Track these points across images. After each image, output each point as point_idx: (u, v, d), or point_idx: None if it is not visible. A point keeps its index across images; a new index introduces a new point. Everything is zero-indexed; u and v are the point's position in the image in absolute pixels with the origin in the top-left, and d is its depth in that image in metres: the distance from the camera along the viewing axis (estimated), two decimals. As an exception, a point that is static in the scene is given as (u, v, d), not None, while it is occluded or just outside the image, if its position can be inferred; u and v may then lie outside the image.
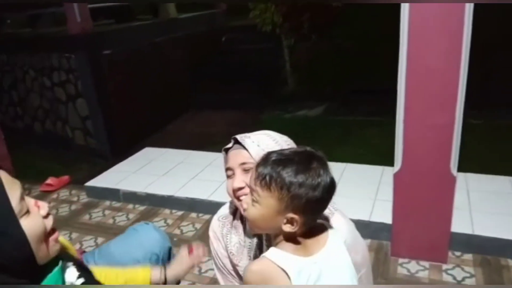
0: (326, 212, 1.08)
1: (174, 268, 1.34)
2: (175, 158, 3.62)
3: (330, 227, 0.97)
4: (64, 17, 4.10)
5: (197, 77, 5.88)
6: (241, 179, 1.05)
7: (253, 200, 0.89)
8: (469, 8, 1.67)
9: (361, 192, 2.69)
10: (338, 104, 5.13)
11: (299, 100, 5.39)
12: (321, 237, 0.92)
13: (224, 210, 1.26)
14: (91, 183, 3.31)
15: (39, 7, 6.37)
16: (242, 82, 5.82)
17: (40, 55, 4.57)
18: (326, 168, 0.87)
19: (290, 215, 0.86)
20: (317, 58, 5.67)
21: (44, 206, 0.84)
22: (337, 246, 0.93)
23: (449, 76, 1.78)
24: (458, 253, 2.22)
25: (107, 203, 3.18)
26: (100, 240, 2.67)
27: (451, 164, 1.92)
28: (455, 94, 1.79)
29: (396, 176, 2.05)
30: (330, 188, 0.87)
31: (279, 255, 0.87)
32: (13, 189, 0.78)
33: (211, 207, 2.63)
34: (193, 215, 2.88)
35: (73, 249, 1.10)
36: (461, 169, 1.98)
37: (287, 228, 0.87)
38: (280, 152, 0.90)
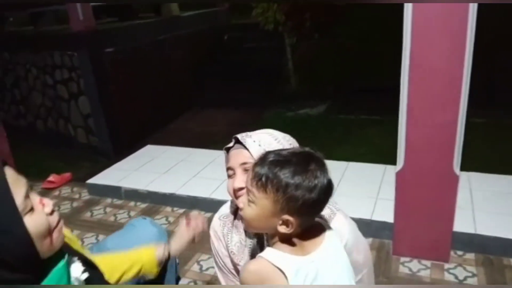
0: (328, 212, 1.08)
1: (176, 242, 1.36)
2: (177, 156, 3.62)
3: (328, 226, 0.96)
4: (66, 15, 4.09)
5: (199, 76, 5.88)
6: (241, 179, 1.04)
7: (249, 200, 0.89)
8: (472, 7, 1.66)
9: (363, 191, 2.68)
10: (340, 103, 5.12)
11: (301, 98, 5.38)
12: (318, 236, 0.91)
13: (225, 209, 1.26)
14: (92, 180, 3.32)
15: (41, 5, 6.37)
16: (244, 80, 5.81)
17: (43, 53, 4.58)
18: (323, 170, 0.86)
19: (286, 217, 0.85)
20: (320, 57, 5.67)
21: (48, 204, 0.84)
22: (334, 245, 0.92)
23: (452, 75, 1.77)
24: (460, 252, 2.21)
25: (109, 200, 3.18)
26: (101, 237, 2.68)
27: (454, 163, 1.91)
28: (458, 93, 1.78)
29: (398, 175, 2.05)
30: (327, 190, 0.86)
31: (275, 255, 0.87)
32: (19, 187, 0.79)
33: (213, 205, 2.63)
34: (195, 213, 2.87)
35: (78, 243, 1.11)
36: (464, 168, 1.98)
37: (283, 229, 0.86)
38: (278, 153, 0.89)
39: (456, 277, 2.06)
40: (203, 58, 6.14)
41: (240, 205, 0.93)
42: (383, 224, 2.35)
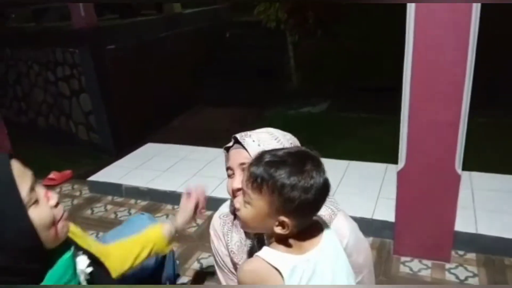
0: (329, 213, 1.07)
1: (181, 216, 1.40)
2: (177, 153, 3.61)
3: (326, 225, 0.95)
4: (68, 11, 4.09)
5: (201, 73, 5.87)
6: (240, 179, 1.03)
7: (245, 201, 0.88)
8: (476, 5, 1.65)
9: (364, 190, 2.68)
10: (342, 101, 5.11)
11: (303, 96, 5.38)
12: (316, 235, 0.91)
13: (225, 208, 1.25)
14: (93, 178, 3.31)
15: (43, 2, 6.38)
16: (246, 78, 5.80)
17: (44, 50, 4.58)
18: (319, 169, 0.85)
19: (282, 218, 0.84)
20: (321, 55, 5.66)
21: (53, 197, 0.88)
22: (332, 244, 0.91)
23: (454, 74, 1.76)
24: (461, 252, 2.20)
25: (109, 198, 3.18)
26: (101, 235, 2.68)
27: (456, 162, 1.90)
28: (460, 91, 1.77)
29: (400, 174, 2.04)
30: (323, 190, 0.85)
31: (271, 254, 0.86)
32: (24, 180, 0.82)
33: (213, 204, 2.59)
34: (195, 211, 2.87)
35: (85, 238, 1.12)
36: (466, 167, 1.96)
37: (279, 230, 0.86)
38: (273, 153, 0.87)
39: (457, 277, 2.05)
40: (204, 56, 6.13)
41: (237, 205, 0.92)
42: (384, 223, 2.34)
